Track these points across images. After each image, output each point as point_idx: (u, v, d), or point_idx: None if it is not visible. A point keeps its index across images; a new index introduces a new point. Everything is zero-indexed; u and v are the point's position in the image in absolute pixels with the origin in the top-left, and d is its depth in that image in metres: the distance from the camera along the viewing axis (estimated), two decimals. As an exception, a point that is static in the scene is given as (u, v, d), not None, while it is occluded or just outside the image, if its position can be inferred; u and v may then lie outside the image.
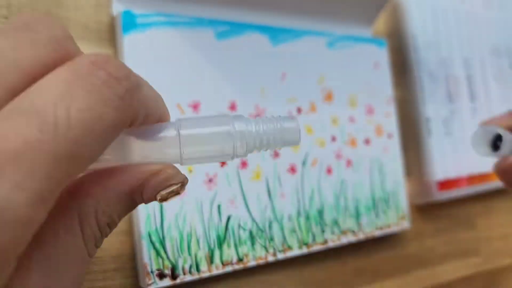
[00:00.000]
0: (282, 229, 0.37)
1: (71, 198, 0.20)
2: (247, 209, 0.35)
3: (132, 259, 0.31)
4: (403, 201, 0.45)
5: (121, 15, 0.32)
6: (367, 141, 0.43)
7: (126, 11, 0.32)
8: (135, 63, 0.32)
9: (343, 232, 0.40)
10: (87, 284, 0.30)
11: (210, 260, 0.33)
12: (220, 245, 0.33)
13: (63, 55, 0.18)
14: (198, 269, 0.32)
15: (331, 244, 0.39)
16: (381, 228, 0.43)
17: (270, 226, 0.36)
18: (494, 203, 0.55)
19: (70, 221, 0.20)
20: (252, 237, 0.35)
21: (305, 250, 0.38)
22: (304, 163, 0.39)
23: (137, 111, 0.19)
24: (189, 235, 0.32)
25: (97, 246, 0.21)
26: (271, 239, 0.36)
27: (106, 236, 0.21)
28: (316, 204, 0.39)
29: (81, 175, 0.21)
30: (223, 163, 0.35)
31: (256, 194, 0.36)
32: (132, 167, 0.21)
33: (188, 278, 0.32)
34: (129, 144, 0.20)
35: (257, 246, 0.35)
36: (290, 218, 0.37)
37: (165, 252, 0.31)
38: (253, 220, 0.35)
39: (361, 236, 0.41)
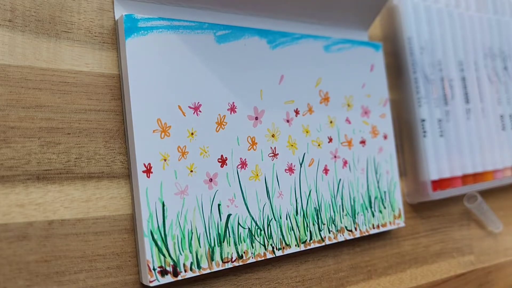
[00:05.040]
0: (280, 227, 0.37)
1: None
2: (246, 207, 0.36)
3: (134, 256, 0.32)
4: (398, 200, 0.46)
5: (124, 19, 0.33)
6: (363, 142, 0.44)
7: (128, 15, 0.33)
8: (137, 66, 0.33)
9: (340, 230, 0.41)
10: (91, 281, 0.30)
11: (211, 257, 0.34)
12: (220, 243, 0.34)
13: None
14: (199, 266, 0.33)
15: (328, 242, 0.40)
16: (377, 227, 0.44)
17: (268, 224, 0.37)
18: (487, 203, 0.55)
19: None
20: (251, 235, 0.36)
21: (302, 248, 0.39)
22: (301, 163, 0.40)
23: None
24: (190, 233, 0.33)
25: None
26: (270, 237, 0.37)
27: None
28: (314, 203, 0.40)
29: None
30: (223, 163, 0.35)
31: (255, 193, 0.37)
32: None
33: (189, 275, 0.33)
34: None
35: (256, 244, 0.36)
36: (288, 216, 0.38)
37: (167, 249, 0.32)
38: (252, 218, 0.36)
39: (357, 234, 0.42)
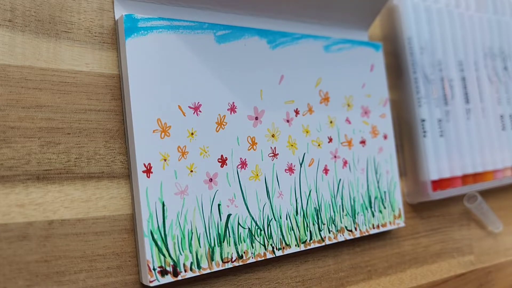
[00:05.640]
0: (280, 227, 0.37)
1: None
2: (246, 207, 0.36)
3: (134, 256, 0.32)
4: (398, 200, 0.46)
5: (124, 19, 0.33)
6: (363, 142, 0.44)
7: (128, 15, 0.33)
8: (137, 66, 0.33)
9: (340, 230, 0.41)
10: (91, 281, 0.30)
11: (211, 257, 0.34)
12: (220, 243, 0.34)
13: None
14: (199, 266, 0.33)
15: (328, 242, 0.40)
16: (377, 227, 0.44)
17: (268, 224, 0.37)
18: (487, 203, 0.55)
19: None
20: (251, 235, 0.36)
21: (302, 248, 0.39)
22: (301, 163, 0.40)
23: None
24: (190, 233, 0.33)
25: None
26: (270, 237, 0.37)
27: None
28: (314, 203, 0.40)
29: None
30: (223, 163, 0.35)
31: (255, 193, 0.37)
32: None
33: (189, 274, 0.33)
34: None
35: (256, 244, 0.36)
36: (288, 216, 0.38)
37: (167, 249, 0.32)
38: (252, 218, 0.36)
39: (357, 234, 0.42)
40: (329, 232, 0.40)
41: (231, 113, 0.36)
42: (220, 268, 0.34)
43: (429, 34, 0.51)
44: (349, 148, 0.43)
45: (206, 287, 0.35)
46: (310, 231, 0.39)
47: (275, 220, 0.37)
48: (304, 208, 0.39)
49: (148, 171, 0.32)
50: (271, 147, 0.38)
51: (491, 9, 0.59)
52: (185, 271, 0.32)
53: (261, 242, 0.36)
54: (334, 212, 0.41)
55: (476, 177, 0.53)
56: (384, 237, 0.46)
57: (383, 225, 0.44)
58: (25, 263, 0.29)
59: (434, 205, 0.51)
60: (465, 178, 0.52)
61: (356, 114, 0.44)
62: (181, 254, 0.32)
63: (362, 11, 0.45)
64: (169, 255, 0.32)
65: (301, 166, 0.40)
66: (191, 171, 0.34)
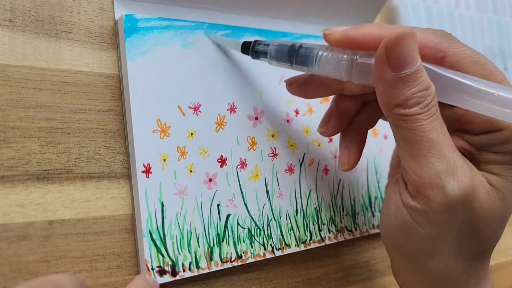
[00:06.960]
0: (280, 227, 0.37)
1: None
2: (246, 208, 0.36)
3: (134, 256, 0.32)
4: (398, 201, 0.46)
5: (123, 19, 0.33)
6: (363, 142, 0.44)
7: (128, 15, 0.33)
8: (136, 66, 0.33)
9: (340, 230, 0.41)
10: (91, 281, 0.30)
11: (210, 257, 0.34)
12: (219, 243, 0.34)
13: None
14: (197, 266, 0.33)
15: (328, 242, 0.40)
16: (377, 227, 0.44)
17: (268, 225, 0.37)
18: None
19: None
20: (250, 235, 0.36)
21: (302, 248, 0.39)
22: (301, 164, 0.40)
23: None
24: (189, 233, 0.33)
25: None
26: (269, 237, 0.37)
27: None
28: (313, 203, 0.40)
29: None
30: (222, 163, 0.35)
31: (255, 193, 0.37)
32: None
33: (187, 274, 0.33)
34: None
35: (256, 244, 0.36)
36: (288, 216, 0.38)
37: (166, 249, 0.32)
38: (252, 218, 0.36)
39: (357, 234, 0.42)
40: (329, 232, 0.40)
41: (231, 113, 0.36)
42: (219, 268, 0.34)
43: (429, 34, 0.51)
44: (349, 148, 0.43)
45: (205, 287, 0.35)
46: (310, 231, 0.39)
47: (275, 220, 0.37)
48: (304, 208, 0.39)
49: (147, 171, 0.32)
50: (271, 147, 0.38)
51: (491, 9, 0.59)
52: (184, 271, 0.32)
53: (261, 242, 0.36)
54: (334, 212, 0.41)
55: (476, 177, 0.53)
56: (384, 237, 0.46)
57: (383, 225, 0.44)
58: (25, 263, 0.29)
59: (434, 205, 0.51)
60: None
61: (356, 114, 0.44)
62: (180, 254, 0.32)
63: (361, 11, 0.45)
64: (168, 255, 0.32)
65: (301, 166, 0.40)
66: (191, 171, 0.34)
